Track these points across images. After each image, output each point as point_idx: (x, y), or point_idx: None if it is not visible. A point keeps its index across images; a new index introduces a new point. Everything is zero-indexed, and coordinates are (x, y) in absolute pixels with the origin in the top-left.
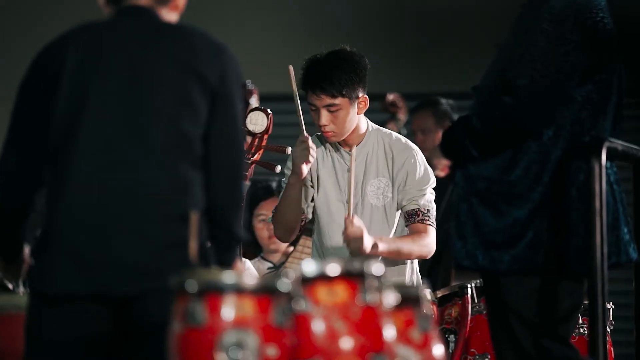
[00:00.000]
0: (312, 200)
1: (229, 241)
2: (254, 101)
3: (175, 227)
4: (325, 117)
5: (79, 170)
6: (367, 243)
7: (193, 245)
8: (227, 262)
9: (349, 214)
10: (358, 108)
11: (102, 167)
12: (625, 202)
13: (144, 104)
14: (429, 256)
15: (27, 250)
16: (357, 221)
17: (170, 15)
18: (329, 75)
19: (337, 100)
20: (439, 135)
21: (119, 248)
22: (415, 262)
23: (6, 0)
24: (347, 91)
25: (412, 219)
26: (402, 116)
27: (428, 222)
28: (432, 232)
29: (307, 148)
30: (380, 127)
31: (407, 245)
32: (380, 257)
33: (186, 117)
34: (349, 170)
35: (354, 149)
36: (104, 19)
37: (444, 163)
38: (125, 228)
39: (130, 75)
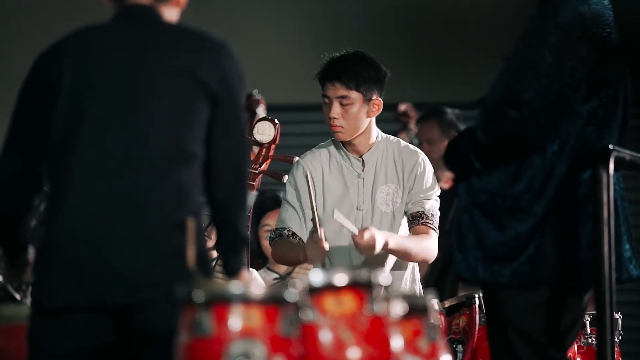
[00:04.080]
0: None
1: (235, 242)
2: (261, 111)
3: (173, 236)
4: (336, 109)
5: (76, 180)
6: (379, 243)
7: (190, 253)
8: (234, 268)
9: (354, 235)
10: (370, 110)
11: (99, 177)
12: (630, 218)
13: (143, 113)
14: (431, 260)
15: (31, 252)
16: (366, 234)
17: (171, 12)
18: (348, 68)
19: (352, 94)
20: (445, 145)
21: (116, 258)
22: (417, 270)
23: (4, 4)
24: (362, 87)
25: (416, 220)
26: (414, 126)
27: (431, 226)
28: (434, 236)
29: (323, 250)
30: (389, 136)
31: (415, 245)
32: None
33: (185, 123)
34: (358, 177)
35: (336, 213)
36: (103, 22)
37: (447, 175)
38: (122, 238)
39: (128, 83)
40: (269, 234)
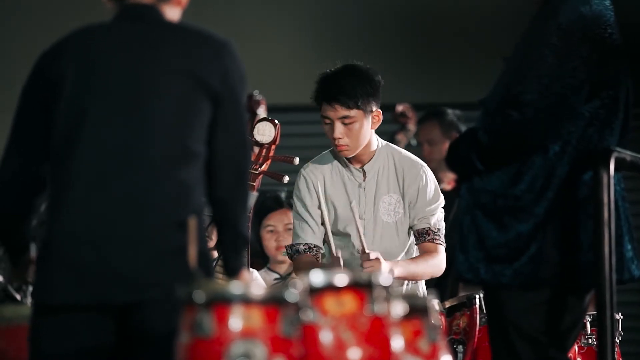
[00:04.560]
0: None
1: (236, 242)
2: (261, 112)
3: (174, 235)
4: (339, 129)
5: (78, 180)
6: (385, 271)
7: (192, 252)
8: (234, 268)
9: (363, 250)
10: (372, 123)
11: (101, 177)
12: (631, 219)
13: (144, 112)
14: (439, 275)
15: (33, 252)
16: (373, 254)
17: (173, 12)
18: (345, 87)
19: (352, 112)
20: (446, 146)
21: (117, 258)
22: None
23: (4, 4)
24: (362, 103)
25: (423, 237)
26: (412, 127)
27: (438, 242)
28: (442, 251)
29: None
30: (389, 143)
31: (421, 267)
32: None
33: (187, 123)
34: (359, 187)
35: (354, 204)
36: (105, 22)
37: (450, 177)
38: (123, 238)
39: (130, 83)
40: (269, 234)
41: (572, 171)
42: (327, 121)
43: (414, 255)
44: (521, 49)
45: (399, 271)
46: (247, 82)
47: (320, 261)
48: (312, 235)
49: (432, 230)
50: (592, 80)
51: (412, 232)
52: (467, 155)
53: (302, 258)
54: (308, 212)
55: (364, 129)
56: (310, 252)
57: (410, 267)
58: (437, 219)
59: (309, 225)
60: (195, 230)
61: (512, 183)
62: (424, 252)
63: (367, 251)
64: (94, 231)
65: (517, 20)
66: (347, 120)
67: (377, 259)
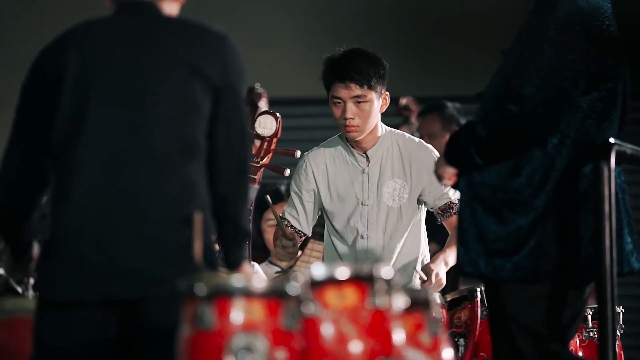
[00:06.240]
0: (319, 210)
1: (236, 234)
2: (263, 105)
3: (179, 230)
4: (351, 109)
5: (81, 176)
6: (443, 275)
7: (197, 247)
8: (235, 261)
9: (429, 280)
10: (380, 105)
11: (104, 173)
12: (631, 211)
13: (146, 107)
14: None
15: (35, 247)
16: (432, 275)
17: (171, 7)
18: (359, 66)
19: (366, 92)
20: (446, 139)
21: (122, 254)
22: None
23: (4, 3)
24: (375, 83)
25: (448, 213)
26: (415, 120)
27: None
28: None
29: (292, 252)
30: (393, 129)
31: None
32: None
33: (188, 117)
34: (363, 172)
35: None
36: (104, 17)
37: (450, 172)
38: (127, 233)
39: (131, 78)
40: (270, 228)
41: (571, 164)
42: (338, 102)
43: (418, 233)
44: (520, 42)
45: (451, 260)
46: (247, 75)
47: (298, 242)
48: (295, 218)
49: (454, 204)
50: (590, 72)
51: (434, 211)
52: (466, 149)
53: (285, 228)
54: (297, 195)
55: (374, 110)
56: (292, 229)
57: (453, 252)
58: (454, 192)
59: (295, 207)
60: (200, 225)
61: (511, 176)
62: (454, 228)
63: (430, 277)
64: (98, 227)
65: (518, 14)
66: (360, 99)
67: (438, 279)
